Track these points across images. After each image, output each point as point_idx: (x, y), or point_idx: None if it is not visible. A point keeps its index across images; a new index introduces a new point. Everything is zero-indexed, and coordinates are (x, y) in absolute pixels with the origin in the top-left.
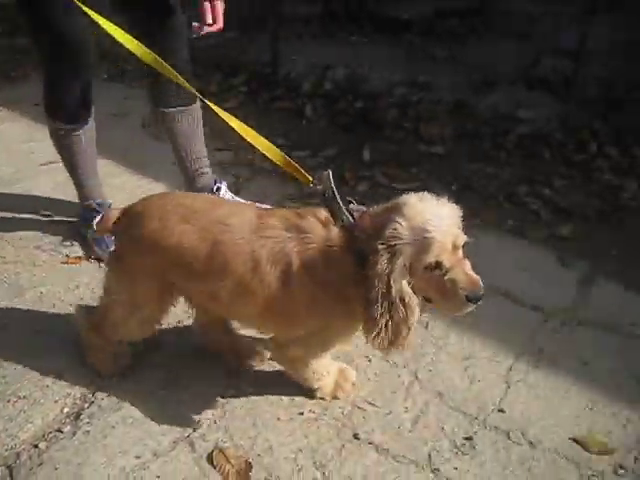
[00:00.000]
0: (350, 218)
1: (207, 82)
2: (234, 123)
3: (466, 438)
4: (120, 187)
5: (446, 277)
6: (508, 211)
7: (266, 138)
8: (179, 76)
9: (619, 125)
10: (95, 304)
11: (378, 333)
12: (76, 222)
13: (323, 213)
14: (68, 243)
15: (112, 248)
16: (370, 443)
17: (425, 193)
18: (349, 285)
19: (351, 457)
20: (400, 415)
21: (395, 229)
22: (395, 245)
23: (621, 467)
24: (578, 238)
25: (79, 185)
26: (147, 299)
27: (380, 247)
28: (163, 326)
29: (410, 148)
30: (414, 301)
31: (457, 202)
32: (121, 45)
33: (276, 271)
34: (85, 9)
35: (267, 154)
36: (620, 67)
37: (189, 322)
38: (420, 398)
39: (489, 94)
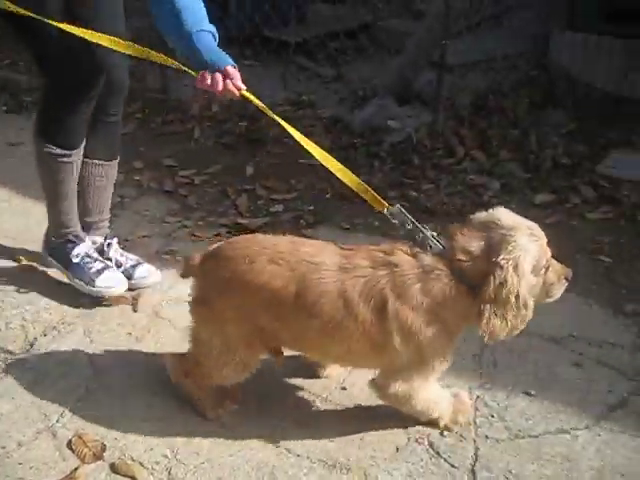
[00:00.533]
0: (439, 244)
1: None
2: (316, 152)
3: None
4: (6, 209)
5: (550, 271)
6: (375, 214)
7: (156, 160)
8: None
9: (484, 130)
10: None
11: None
12: (46, 249)
13: (406, 246)
14: None
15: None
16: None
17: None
18: (450, 307)
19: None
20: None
21: (514, 241)
22: (518, 256)
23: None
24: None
25: (62, 213)
26: (239, 343)
27: (502, 261)
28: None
29: (290, 162)
30: (532, 303)
31: (326, 210)
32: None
33: (370, 306)
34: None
35: (344, 180)
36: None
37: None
38: None
39: (365, 108)
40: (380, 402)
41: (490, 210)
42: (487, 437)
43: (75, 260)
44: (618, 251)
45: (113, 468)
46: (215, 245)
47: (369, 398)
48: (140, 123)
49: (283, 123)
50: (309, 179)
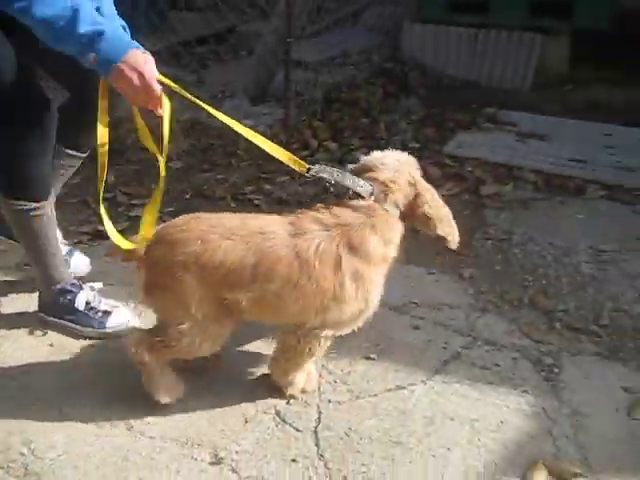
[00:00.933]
0: (367, 185)
1: None
2: (243, 130)
3: None
4: None
5: None
6: (234, 208)
7: None
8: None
9: (336, 122)
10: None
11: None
12: (44, 311)
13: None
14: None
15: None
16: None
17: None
18: (395, 238)
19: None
20: None
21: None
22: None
23: None
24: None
25: (49, 268)
26: (206, 320)
27: (420, 182)
28: None
29: (150, 167)
30: None
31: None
32: None
33: (325, 264)
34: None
35: (264, 146)
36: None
37: None
38: None
39: (219, 110)
40: (227, 379)
41: (364, 157)
42: (330, 401)
43: (81, 309)
44: (461, 222)
45: None
46: (157, 229)
47: (217, 375)
48: None
49: (202, 104)
50: (168, 182)
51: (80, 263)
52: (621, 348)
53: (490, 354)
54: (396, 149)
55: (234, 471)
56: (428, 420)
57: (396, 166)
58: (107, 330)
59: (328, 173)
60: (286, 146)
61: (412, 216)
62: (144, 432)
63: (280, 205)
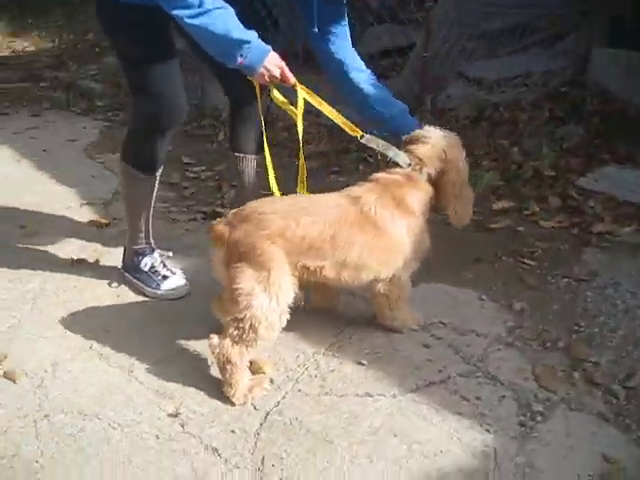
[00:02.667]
0: (406, 157)
1: None
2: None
3: None
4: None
5: None
6: None
7: (177, 157)
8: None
9: (475, 139)
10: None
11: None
12: (123, 267)
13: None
14: (115, 285)
15: (160, 287)
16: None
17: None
18: (426, 196)
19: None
20: None
21: (451, 143)
22: (460, 152)
23: None
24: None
25: (136, 230)
26: (286, 289)
27: (453, 159)
28: None
29: (293, 172)
30: None
31: None
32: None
33: (386, 220)
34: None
35: (329, 114)
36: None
37: None
38: None
39: None
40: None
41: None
42: (299, 390)
43: (145, 270)
44: (547, 256)
45: (5, 374)
46: (235, 211)
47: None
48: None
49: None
50: None
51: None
52: (632, 415)
53: (480, 387)
54: (527, 175)
55: (182, 426)
56: (372, 430)
57: (434, 142)
58: (160, 292)
59: (375, 143)
60: None
61: (439, 187)
62: (138, 377)
63: None
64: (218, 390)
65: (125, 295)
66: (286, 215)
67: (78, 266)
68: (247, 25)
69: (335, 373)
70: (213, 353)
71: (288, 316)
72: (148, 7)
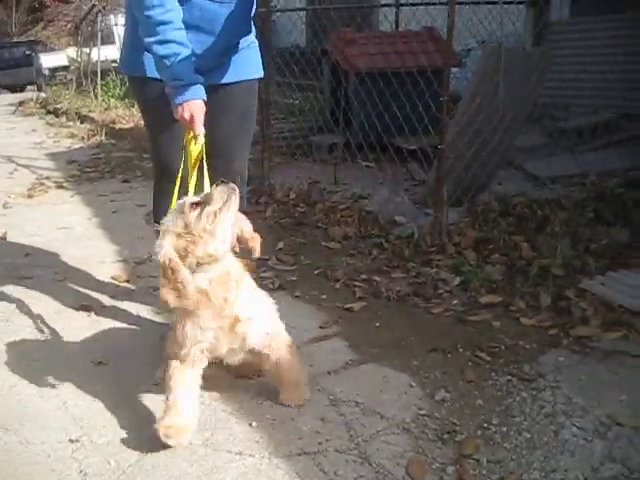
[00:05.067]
0: None
1: None
2: None
3: None
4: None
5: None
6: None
7: None
8: None
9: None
10: None
11: None
12: None
13: None
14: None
15: None
16: None
17: None
18: None
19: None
20: None
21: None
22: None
23: None
24: None
25: None
26: None
27: None
28: None
29: (316, 244)
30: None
31: None
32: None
33: None
34: None
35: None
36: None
37: None
38: None
39: None
40: None
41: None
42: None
43: None
44: (505, 354)
45: None
46: None
47: None
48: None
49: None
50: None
51: None
52: None
53: (346, 464)
54: (532, 272)
55: (72, 450)
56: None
57: None
58: None
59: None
60: (424, 247)
61: None
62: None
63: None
64: (128, 425)
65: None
66: None
67: (80, 312)
68: None
69: (225, 430)
70: None
71: None
72: (151, 80)
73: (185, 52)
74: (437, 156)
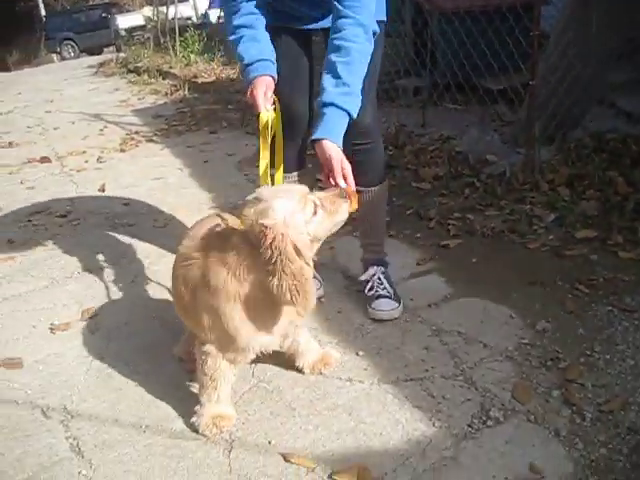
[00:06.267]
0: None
1: None
2: None
3: None
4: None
5: (321, 206)
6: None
7: None
8: None
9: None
10: None
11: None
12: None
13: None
14: None
15: None
16: None
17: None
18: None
19: None
20: None
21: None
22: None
23: None
24: None
25: None
26: None
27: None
28: None
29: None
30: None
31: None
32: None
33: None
34: None
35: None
36: None
37: None
38: None
39: None
40: None
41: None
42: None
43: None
44: (604, 286)
45: None
46: None
47: None
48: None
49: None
50: (412, 199)
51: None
52: (587, 435)
53: (453, 388)
54: (628, 207)
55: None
56: (332, 406)
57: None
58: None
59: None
60: (516, 185)
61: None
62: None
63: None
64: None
65: None
66: None
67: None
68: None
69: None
70: None
71: None
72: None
73: (248, 33)
74: (528, 93)
